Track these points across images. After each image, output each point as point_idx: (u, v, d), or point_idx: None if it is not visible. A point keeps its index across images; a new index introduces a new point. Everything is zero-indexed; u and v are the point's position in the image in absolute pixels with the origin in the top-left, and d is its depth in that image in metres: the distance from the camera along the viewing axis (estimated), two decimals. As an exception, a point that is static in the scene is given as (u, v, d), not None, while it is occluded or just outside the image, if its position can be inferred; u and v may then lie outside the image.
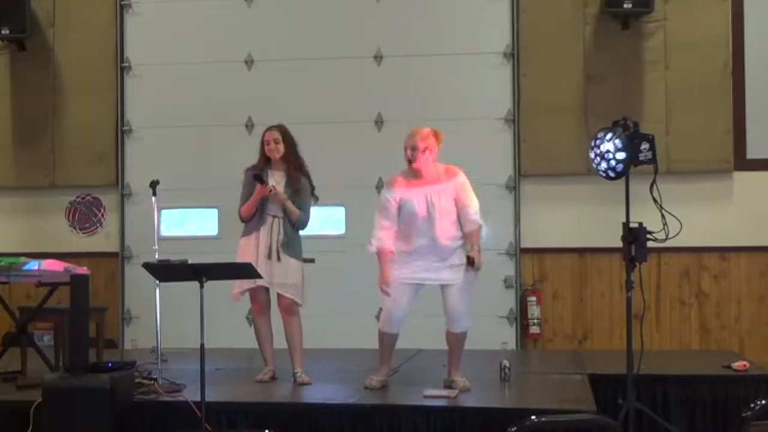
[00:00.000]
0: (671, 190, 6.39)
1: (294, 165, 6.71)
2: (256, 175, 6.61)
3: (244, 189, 6.75)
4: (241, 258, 6.55)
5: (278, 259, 6.58)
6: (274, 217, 6.63)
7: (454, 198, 6.38)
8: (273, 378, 6.65)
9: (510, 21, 8.74)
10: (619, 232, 6.25)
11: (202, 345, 5.48)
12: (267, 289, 6.67)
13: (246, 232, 6.69)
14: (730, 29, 8.48)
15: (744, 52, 8.50)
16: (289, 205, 6.59)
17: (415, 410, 5.73)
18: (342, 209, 8.83)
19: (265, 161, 6.75)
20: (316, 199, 6.85)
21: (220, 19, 9.12)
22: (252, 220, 6.66)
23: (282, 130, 6.76)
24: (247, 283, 6.56)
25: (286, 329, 6.70)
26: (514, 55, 8.72)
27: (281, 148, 6.69)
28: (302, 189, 6.70)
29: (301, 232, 6.76)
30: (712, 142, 8.44)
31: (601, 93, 8.51)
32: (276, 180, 6.67)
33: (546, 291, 8.63)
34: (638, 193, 6.20)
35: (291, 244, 6.63)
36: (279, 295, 6.66)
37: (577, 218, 8.56)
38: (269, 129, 6.78)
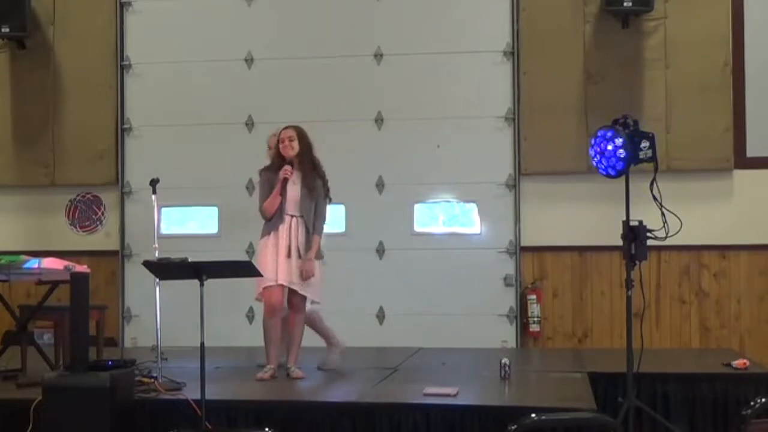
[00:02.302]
0: (671, 188, 6.39)
1: (308, 165, 6.72)
2: (289, 161, 6.62)
3: (262, 190, 6.76)
4: (261, 259, 6.59)
5: (299, 257, 6.61)
6: (293, 216, 6.65)
7: None
8: (272, 377, 6.64)
9: (510, 19, 8.74)
10: (619, 230, 6.25)
11: (202, 343, 5.48)
12: (282, 289, 6.64)
13: (264, 232, 6.70)
14: (730, 27, 8.47)
15: (744, 50, 8.50)
16: (311, 256, 6.64)
17: (415, 408, 5.73)
18: (342, 207, 8.83)
19: (280, 161, 6.75)
20: (330, 200, 6.86)
21: (220, 18, 9.12)
22: (271, 219, 6.67)
23: (299, 130, 6.78)
24: (265, 282, 6.56)
25: (290, 325, 6.72)
26: (514, 53, 8.72)
27: (295, 145, 6.69)
28: (317, 190, 6.71)
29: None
30: (712, 141, 8.44)
31: (601, 91, 8.51)
32: (292, 180, 6.67)
33: (546, 289, 8.63)
34: (638, 192, 6.19)
35: (311, 243, 6.66)
36: (291, 292, 6.66)
37: (577, 216, 8.56)
38: (286, 128, 6.81)
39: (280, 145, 6.73)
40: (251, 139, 8.79)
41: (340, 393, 6.25)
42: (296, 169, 6.71)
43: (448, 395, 5.94)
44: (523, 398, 6.18)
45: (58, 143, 9.24)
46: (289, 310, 6.72)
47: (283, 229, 6.63)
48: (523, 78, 8.69)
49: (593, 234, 8.40)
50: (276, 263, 6.55)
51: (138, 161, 9.14)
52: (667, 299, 8.50)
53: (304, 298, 6.69)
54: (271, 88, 8.94)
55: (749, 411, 4.21)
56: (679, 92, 8.48)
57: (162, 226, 8.73)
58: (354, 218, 8.85)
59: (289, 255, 6.59)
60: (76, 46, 9.24)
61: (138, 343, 8.90)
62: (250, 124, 8.94)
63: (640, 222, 6.14)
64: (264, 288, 6.60)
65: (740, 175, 8.50)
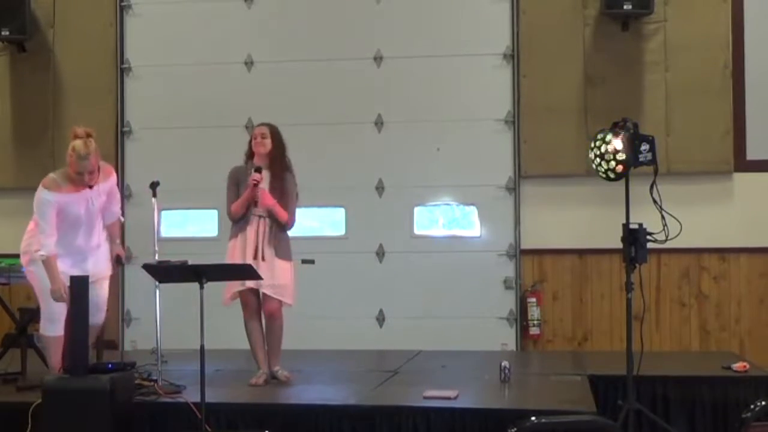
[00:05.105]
0: (671, 191, 6.39)
1: (279, 164, 6.63)
2: (257, 168, 6.53)
3: (229, 191, 6.66)
4: (229, 261, 6.50)
5: (263, 259, 6.50)
6: (260, 217, 6.56)
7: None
8: (266, 382, 6.60)
9: (510, 22, 8.74)
10: (619, 233, 6.25)
11: (202, 346, 5.48)
12: (256, 292, 6.57)
13: (233, 234, 6.63)
14: (730, 30, 8.47)
15: (744, 53, 8.50)
16: (276, 208, 6.52)
17: (416, 411, 5.73)
18: (342, 210, 8.84)
19: (250, 157, 6.71)
20: (296, 197, 6.74)
21: (220, 21, 9.13)
22: (239, 221, 6.60)
23: (272, 128, 6.71)
24: (235, 286, 6.50)
25: (268, 331, 6.63)
26: (514, 56, 8.72)
27: (268, 143, 6.61)
28: (286, 191, 6.61)
29: (289, 233, 6.69)
30: (712, 144, 8.44)
31: (600, 94, 8.51)
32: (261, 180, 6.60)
33: (546, 292, 8.63)
34: (638, 194, 6.20)
35: (278, 244, 6.57)
36: (265, 297, 6.57)
37: (577, 219, 8.56)
38: (259, 125, 6.75)
39: (253, 142, 6.66)
40: (251, 142, 8.79)
41: (340, 396, 6.24)
42: (265, 168, 6.61)
43: (448, 398, 5.94)
44: (523, 401, 6.18)
45: (58, 146, 9.19)
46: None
47: (251, 231, 6.53)
48: (522, 81, 8.69)
49: (593, 237, 8.40)
50: None
51: (138, 164, 9.14)
52: (667, 302, 8.50)
53: (279, 301, 6.57)
54: (271, 91, 8.94)
55: (749, 414, 4.22)
56: (679, 95, 8.48)
57: (162, 228, 8.73)
58: (354, 221, 8.85)
59: (256, 257, 6.48)
60: (76, 49, 9.24)
61: (138, 346, 8.89)
62: (250, 127, 8.92)
63: (640, 225, 6.14)
64: (238, 291, 6.54)
65: (740, 177, 8.50)
